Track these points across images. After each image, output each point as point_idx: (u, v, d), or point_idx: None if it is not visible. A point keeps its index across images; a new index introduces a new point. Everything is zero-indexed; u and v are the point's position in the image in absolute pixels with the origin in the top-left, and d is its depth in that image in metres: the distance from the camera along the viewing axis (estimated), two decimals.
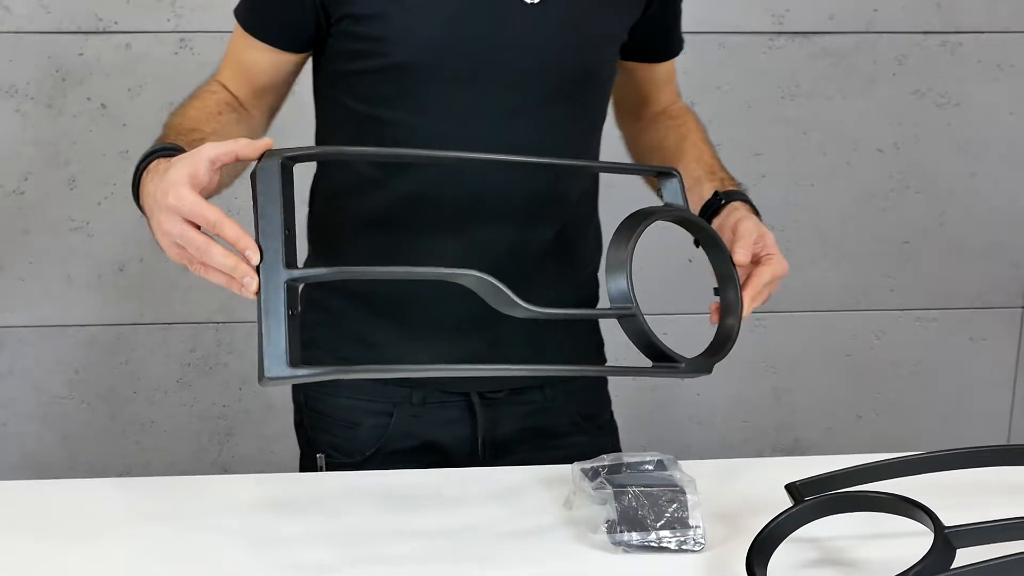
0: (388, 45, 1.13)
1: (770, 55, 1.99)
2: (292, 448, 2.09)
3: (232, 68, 1.22)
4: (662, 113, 1.34)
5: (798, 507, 0.93)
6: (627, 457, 1.09)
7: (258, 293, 0.89)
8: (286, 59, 1.20)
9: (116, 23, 1.86)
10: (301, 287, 0.93)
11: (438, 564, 0.98)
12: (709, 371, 1.07)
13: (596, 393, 1.34)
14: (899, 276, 2.12)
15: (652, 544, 1.00)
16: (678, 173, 1.13)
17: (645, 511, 1.01)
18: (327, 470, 1.23)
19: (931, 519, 0.88)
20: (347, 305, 1.24)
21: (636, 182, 1.24)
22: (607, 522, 1.01)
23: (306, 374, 0.89)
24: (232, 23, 2.04)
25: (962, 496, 1.03)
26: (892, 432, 2.18)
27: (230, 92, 1.21)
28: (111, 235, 1.95)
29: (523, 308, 0.97)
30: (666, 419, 2.14)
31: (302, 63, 1.23)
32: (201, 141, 1.04)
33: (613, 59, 1.24)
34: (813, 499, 0.93)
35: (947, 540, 0.85)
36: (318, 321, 1.24)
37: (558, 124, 1.18)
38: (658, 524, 1.01)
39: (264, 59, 1.20)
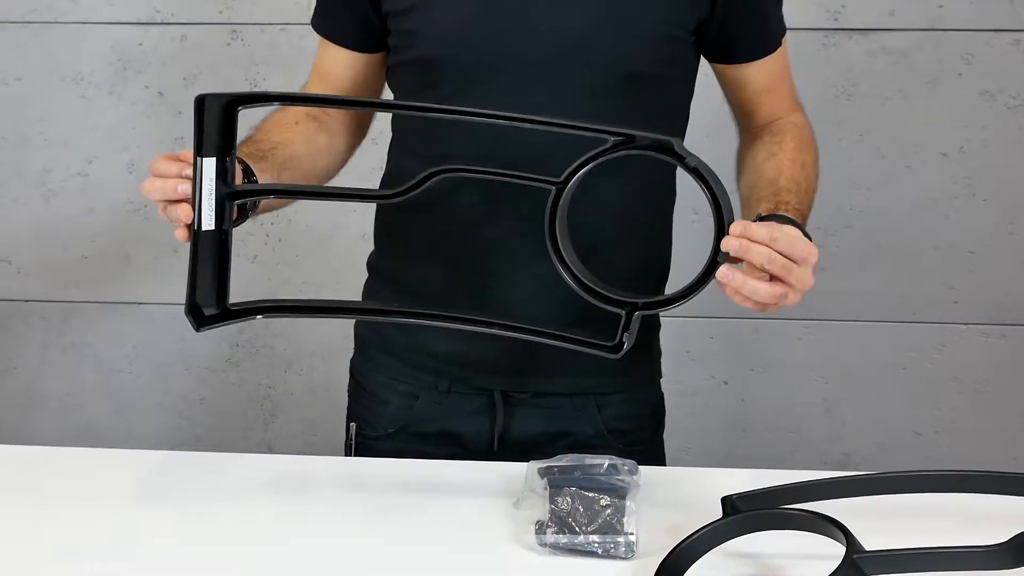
0: (415, 38, 1.17)
1: (824, 53, 1.90)
2: (333, 431, 2.13)
3: (315, 78, 1.28)
4: (765, 129, 1.24)
5: (714, 525, 0.90)
6: (588, 459, 1.08)
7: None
8: (361, 60, 1.25)
9: (172, 15, 1.94)
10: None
11: (356, 555, 0.99)
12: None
13: (634, 411, 1.29)
14: (963, 288, 2.01)
15: (579, 548, 0.98)
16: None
17: (578, 514, 0.99)
18: (356, 440, 1.30)
19: (847, 541, 0.83)
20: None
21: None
22: (537, 522, 1.00)
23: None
24: (279, 15, 2.10)
25: (912, 522, 0.97)
26: (952, 452, 2.06)
27: None
28: None
29: None
30: (709, 427, 2.08)
31: (378, 67, 1.25)
32: (270, 150, 1.14)
33: (670, 59, 1.17)
34: (730, 517, 0.90)
35: (855, 564, 0.81)
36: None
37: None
38: (589, 528, 0.99)
39: (340, 62, 1.25)
